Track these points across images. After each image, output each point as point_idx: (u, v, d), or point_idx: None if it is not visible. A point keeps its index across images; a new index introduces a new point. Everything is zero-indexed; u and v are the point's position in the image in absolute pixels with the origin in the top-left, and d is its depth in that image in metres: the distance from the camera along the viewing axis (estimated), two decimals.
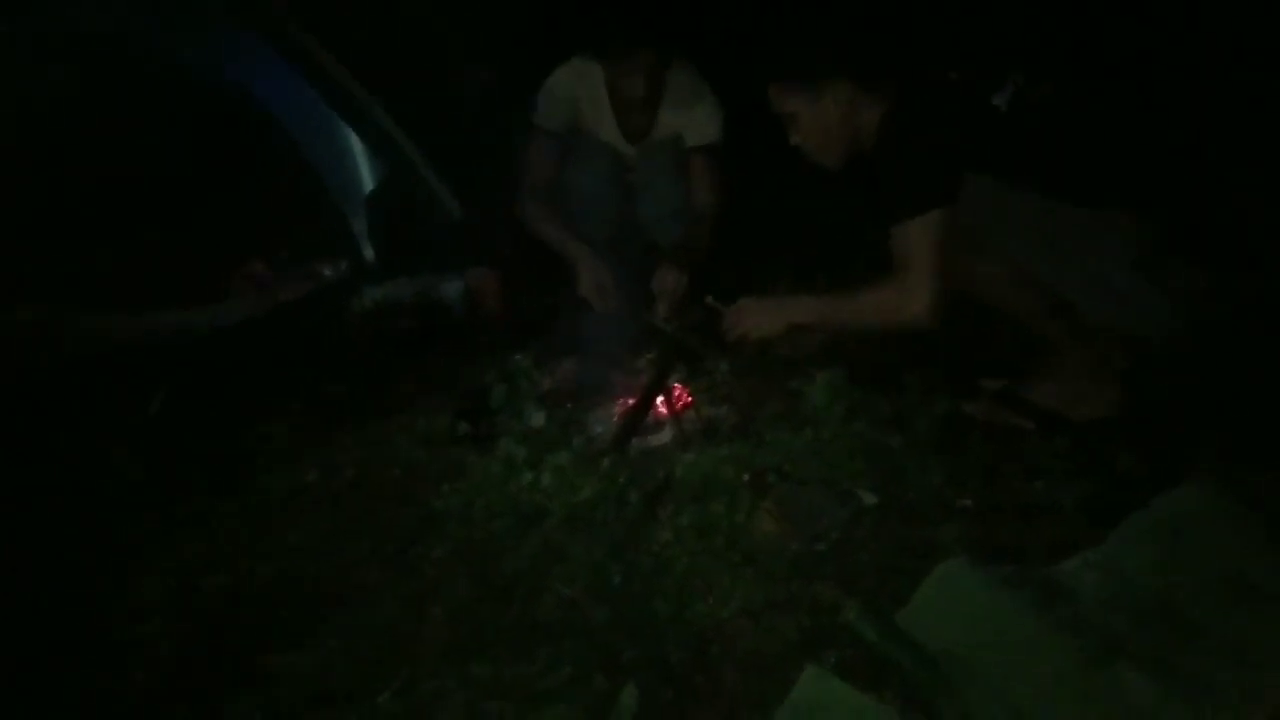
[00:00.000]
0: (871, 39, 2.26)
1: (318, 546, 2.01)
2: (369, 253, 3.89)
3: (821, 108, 2.19)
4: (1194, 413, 2.07)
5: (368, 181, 4.05)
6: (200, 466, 2.37)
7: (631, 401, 2.43)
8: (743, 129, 2.97)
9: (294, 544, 2.02)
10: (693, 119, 2.96)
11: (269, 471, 2.33)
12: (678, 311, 2.77)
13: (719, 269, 2.95)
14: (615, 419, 2.43)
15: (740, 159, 3.03)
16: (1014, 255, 2.07)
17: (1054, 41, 2.79)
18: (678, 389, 2.49)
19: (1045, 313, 2.15)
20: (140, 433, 2.49)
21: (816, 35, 2.25)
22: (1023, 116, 2.03)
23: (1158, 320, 1.96)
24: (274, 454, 2.43)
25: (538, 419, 2.35)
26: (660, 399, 2.43)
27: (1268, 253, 2.05)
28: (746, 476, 1.98)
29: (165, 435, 2.50)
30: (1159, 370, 2.14)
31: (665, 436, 2.35)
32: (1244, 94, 2.45)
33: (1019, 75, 2.06)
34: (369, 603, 1.79)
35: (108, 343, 2.68)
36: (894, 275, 2.11)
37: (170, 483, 2.29)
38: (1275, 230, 2.09)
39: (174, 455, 2.40)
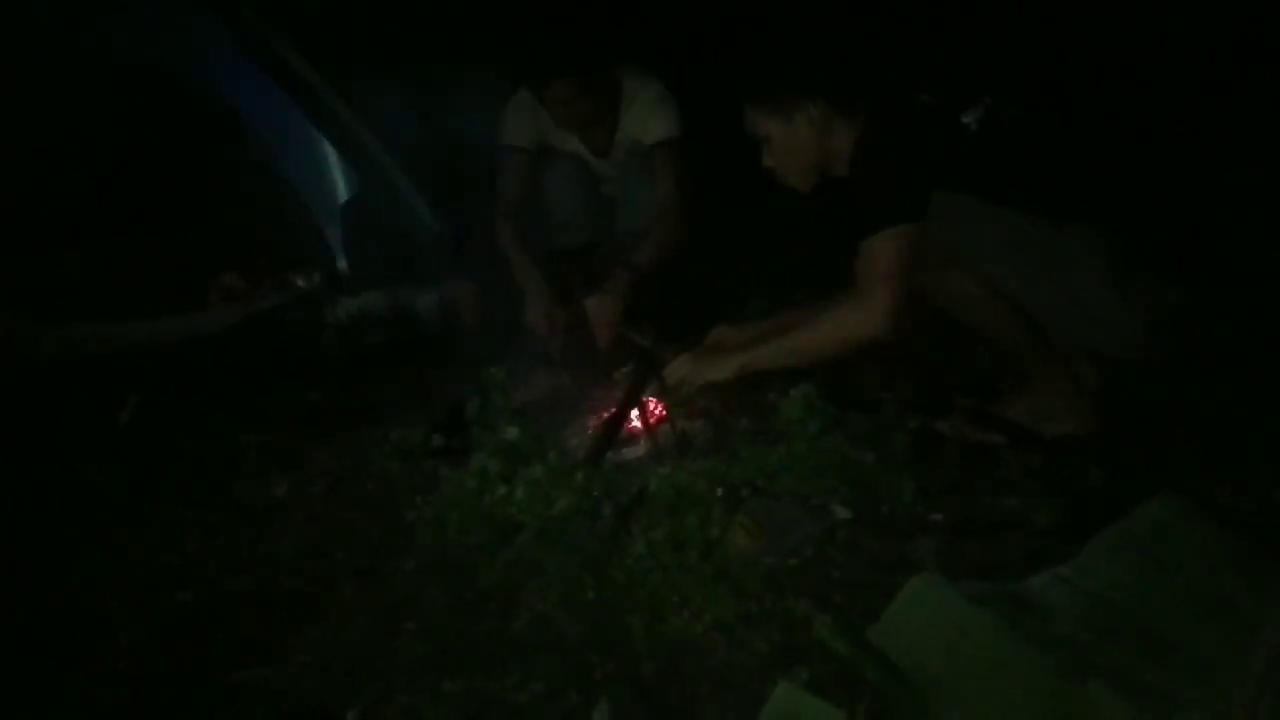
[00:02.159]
0: (845, 61, 2.28)
1: (289, 559, 1.99)
2: (343, 264, 3.88)
3: (794, 130, 2.21)
4: (1164, 428, 2.10)
5: (342, 192, 4.03)
6: (171, 477, 2.34)
7: (606, 415, 2.43)
8: (714, 147, 2.98)
9: (264, 556, 2.00)
10: (647, 119, 2.94)
11: (240, 483, 2.31)
12: (644, 328, 2.75)
13: (690, 282, 2.95)
14: (590, 433, 2.43)
15: (712, 175, 3.03)
16: (987, 272, 2.08)
17: (1024, 62, 2.83)
18: (652, 403, 2.50)
19: (1018, 330, 2.17)
20: (110, 443, 2.46)
21: (790, 57, 2.27)
22: (994, 135, 2.05)
23: (1128, 337, 1.98)
24: (245, 466, 2.40)
25: (512, 432, 2.34)
26: (635, 413, 2.42)
27: (1240, 266, 2.07)
28: (720, 491, 1.98)
29: (136, 446, 2.47)
30: (1130, 388, 2.16)
31: (639, 450, 2.35)
32: (1216, 107, 2.49)
33: (990, 96, 2.08)
34: (340, 617, 1.78)
35: (79, 352, 2.66)
36: (852, 291, 2.12)
37: (140, 494, 2.27)
38: (1247, 243, 2.12)
39: (144, 466, 2.37)
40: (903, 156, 2.07)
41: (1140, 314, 1.95)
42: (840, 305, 2.17)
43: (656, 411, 2.47)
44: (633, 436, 2.40)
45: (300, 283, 3.20)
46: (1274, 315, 2.13)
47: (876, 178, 2.09)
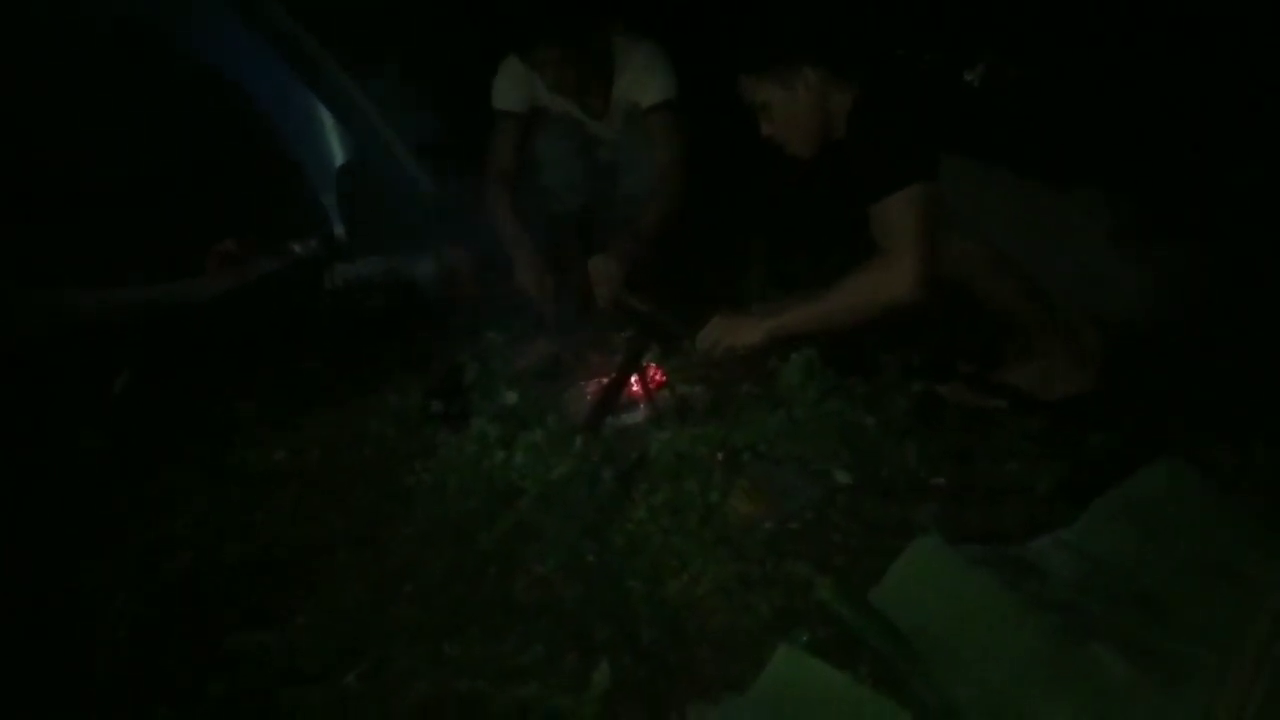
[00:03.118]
0: (841, 24, 2.24)
1: (286, 525, 1.98)
2: (340, 230, 3.85)
3: (792, 96, 2.17)
4: (1166, 392, 2.08)
5: (339, 157, 4.00)
6: (167, 445, 2.33)
7: (605, 380, 2.42)
8: (711, 119, 2.95)
9: (262, 523, 2.00)
10: (642, 82, 2.89)
11: (237, 450, 2.30)
12: (644, 293, 2.74)
13: (690, 251, 2.93)
14: (589, 398, 2.41)
15: (711, 148, 3.00)
16: (988, 235, 2.06)
17: (1026, 21, 2.77)
18: (652, 368, 2.48)
19: (1020, 295, 2.15)
20: (105, 410, 2.45)
21: (785, 22, 2.23)
22: (996, 95, 2.02)
23: (1133, 299, 1.96)
24: (242, 432, 2.40)
25: (511, 398, 2.32)
26: (634, 378, 2.41)
27: (1246, 228, 2.04)
28: (720, 455, 1.98)
29: (131, 413, 2.46)
30: (1134, 351, 2.15)
31: (639, 415, 2.33)
32: (1221, 70, 2.45)
33: (991, 55, 2.05)
34: (338, 582, 1.77)
35: (73, 320, 2.64)
36: (877, 255, 2.10)
37: (136, 461, 2.26)
38: (1253, 206, 2.09)
39: (140, 433, 2.36)
40: (905, 116, 2.04)
41: (1145, 276, 1.93)
42: (870, 268, 2.13)
43: (656, 376, 2.46)
44: (632, 401, 2.39)
45: (297, 249, 3.17)
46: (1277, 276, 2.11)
47: (880, 140, 2.07)
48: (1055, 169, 1.98)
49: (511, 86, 2.93)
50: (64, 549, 1.97)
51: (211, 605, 1.75)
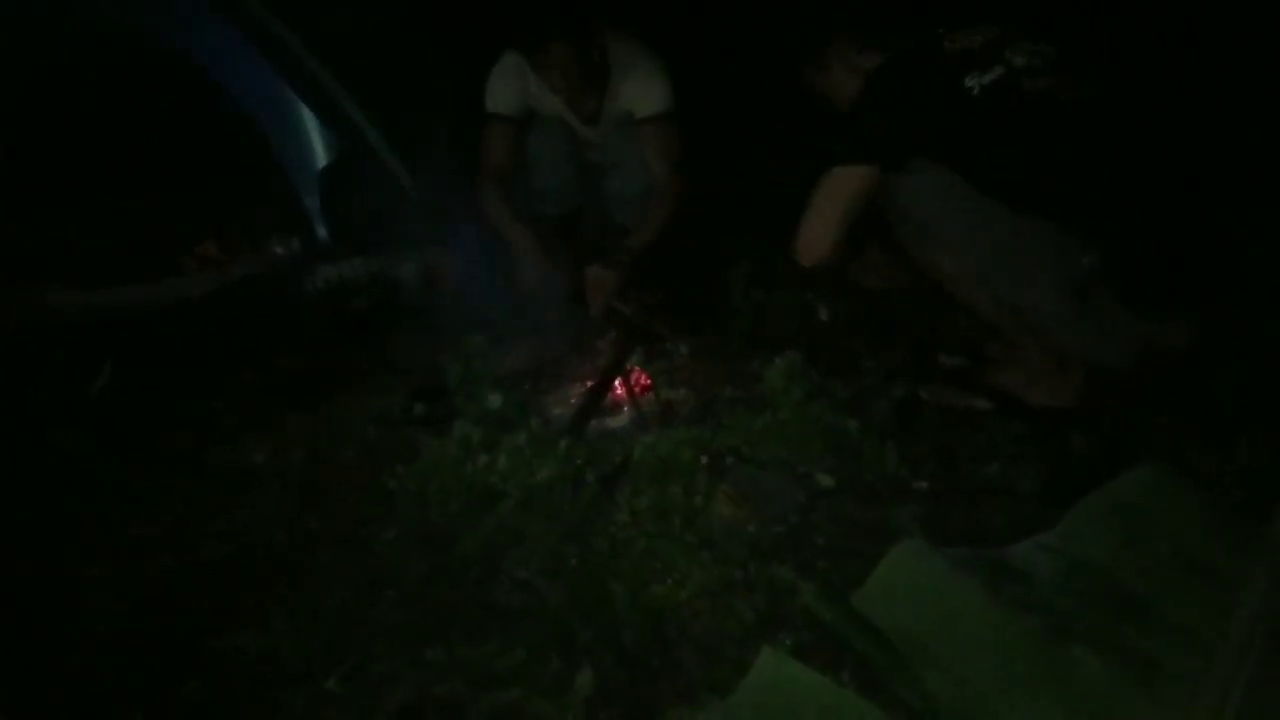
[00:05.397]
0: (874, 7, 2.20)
1: (267, 527, 1.97)
2: (322, 231, 3.82)
3: (833, 76, 2.18)
4: (1147, 394, 2.09)
5: (321, 158, 3.97)
6: (147, 446, 2.31)
7: (590, 383, 2.41)
8: (701, 109, 2.95)
9: (243, 524, 1.98)
10: (639, 91, 2.89)
11: (218, 451, 2.29)
12: (628, 298, 2.74)
13: (680, 247, 2.93)
14: (573, 401, 2.41)
15: (701, 139, 3.00)
16: (971, 255, 2.05)
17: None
18: (636, 371, 2.48)
19: (1001, 309, 2.15)
20: (84, 411, 2.43)
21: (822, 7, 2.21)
22: (993, 105, 1.97)
23: (1092, 346, 1.97)
24: (224, 433, 2.38)
25: (494, 400, 2.32)
26: (618, 381, 2.41)
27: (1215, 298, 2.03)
28: (704, 459, 1.98)
29: (110, 414, 2.44)
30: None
31: (623, 419, 2.33)
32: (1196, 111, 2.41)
33: (1013, 57, 1.98)
34: (319, 584, 1.76)
35: (53, 319, 2.61)
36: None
37: (116, 462, 2.24)
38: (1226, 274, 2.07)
39: (119, 434, 2.34)
40: (888, 102, 2.01)
41: (1094, 330, 1.93)
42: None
43: (640, 380, 2.46)
44: (617, 405, 2.39)
45: (278, 250, 3.16)
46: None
47: (856, 112, 2.06)
48: (1020, 197, 1.94)
49: (505, 89, 2.93)
50: (42, 549, 1.95)
51: (191, 606, 1.74)
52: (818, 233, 2.05)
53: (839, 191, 2.02)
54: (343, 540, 1.90)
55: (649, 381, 2.45)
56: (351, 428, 2.38)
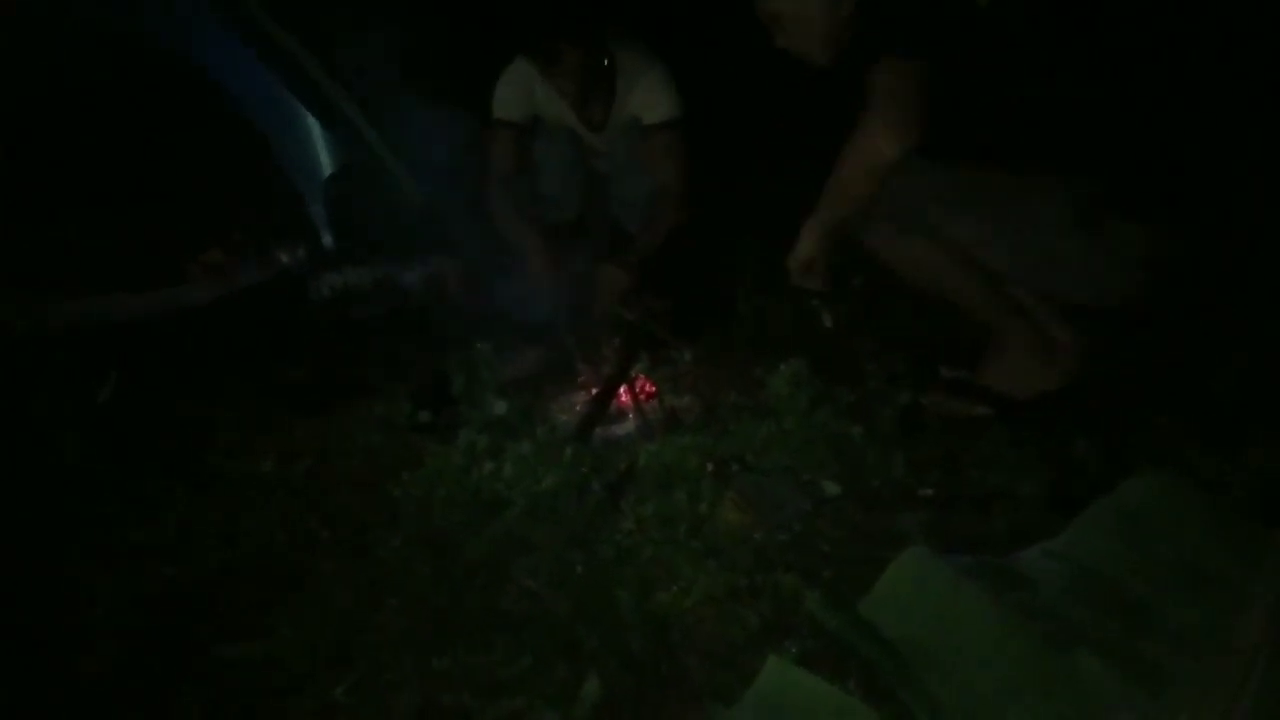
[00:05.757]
0: None
1: (272, 534, 1.97)
2: (327, 239, 3.84)
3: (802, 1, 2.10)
4: (1152, 398, 2.09)
5: (327, 165, 3.99)
6: (153, 453, 2.32)
7: (595, 391, 2.42)
8: (704, 115, 2.96)
9: (248, 532, 1.98)
10: (647, 98, 2.93)
11: (224, 458, 2.28)
12: (630, 305, 2.75)
13: (684, 252, 2.95)
14: (578, 408, 2.41)
15: (705, 146, 3.02)
16: (947, 235, 2.04)
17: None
18: (641, 378, 2.48)
19: (981, 293, 2.13)
20: (91, 419, 2.43)
21: None
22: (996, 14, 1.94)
23: (1100, 280, 1.96)
24: (229, 441, 2.38)
25: (499, 408, 2.32)
26: (623, 388, 2.41)
27: (1212, 213, 2.03)
28: (709, 466, 1.97)
29: (116, 421, 2.44)
30: (1108, 339, 2.14)
31: (628, 426, 2.34)
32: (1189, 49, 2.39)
33: None
34: (324, 592, 1.76)
35: (59, 326, 2.62)
36: (863, 118, 2.02)
37: (122, 470, 2.24)
38: (1220, 191, 2.07)
39: (125, 442, 2.35)
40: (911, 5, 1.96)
41: (1113, 258, 1.92)
42: (855, 136, 2.04)
43: (645, 387, 2.46)
44: (621, 412, 2.39)
45: (283, 257, 3.17)
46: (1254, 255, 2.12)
47: (886, 11, 1.98)
48: (1011, 156, 1.95)
49: (512, 96, 2.96)
50: (46, 556, 1.95)
51: (196, 615, 1.74)
52: (896, 121, 1.95)
53: (903, 81, 1.93)
54: (348, 548, 1.90)
55: (654, 388, 2.45)
56: (356, 435, 2.38)
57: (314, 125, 3.91)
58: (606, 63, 2.87)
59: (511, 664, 1.49)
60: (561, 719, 1.38)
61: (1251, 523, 1.51)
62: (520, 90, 2.95)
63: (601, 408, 2.33)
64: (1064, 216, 1.92)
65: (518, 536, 1.84)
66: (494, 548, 1.81)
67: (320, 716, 1.46)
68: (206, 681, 1.54)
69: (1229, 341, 2.14)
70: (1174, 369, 2.17)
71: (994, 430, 2.09)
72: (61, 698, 1.58)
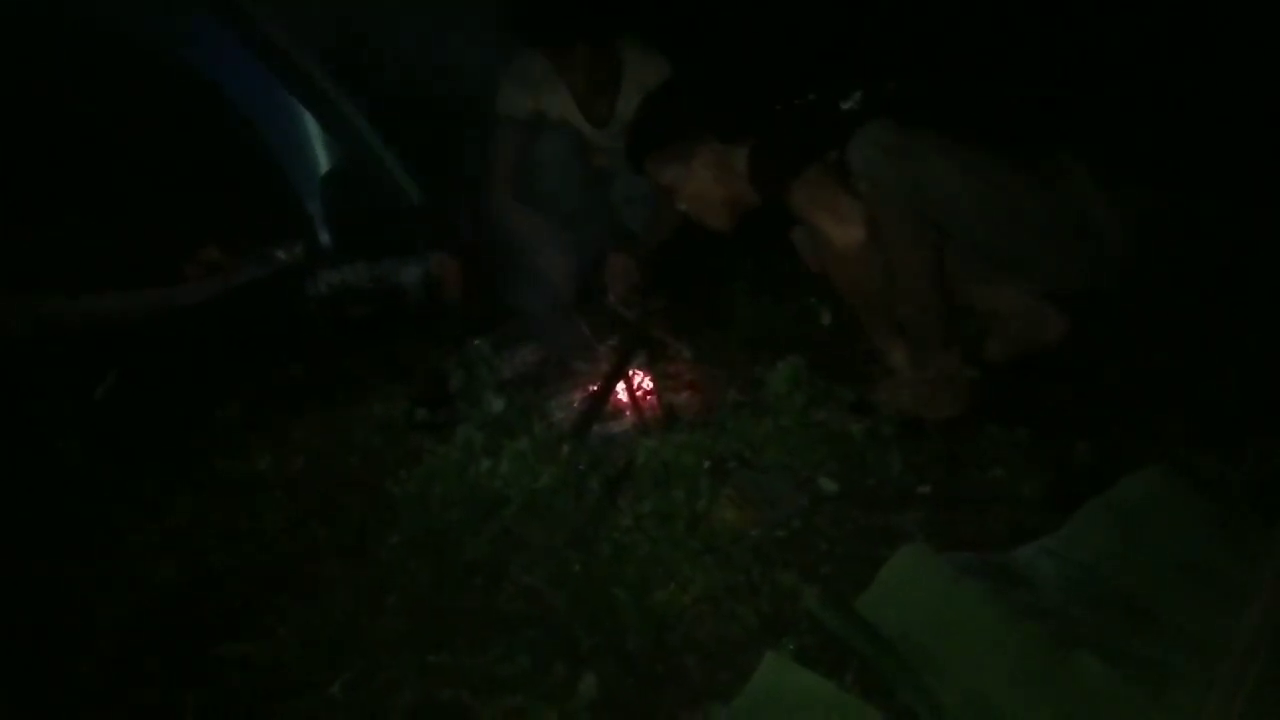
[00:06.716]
0: (720, 91, 2.22)
1: (271, 534, 1.97)
2: (324, 236, 3.83)
3: (693, 174, 2.17)
4: (1151, 396, 2.09)
5: (323, 162, 3.98)
6: (150, 453, 2.31)
7: (592, 388, 2.41)
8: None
9: (246, 531, 1.98)
10: None
11: (221, 458, 2.28)
12: (636, 298, 2.76)
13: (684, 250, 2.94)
14: (576, 406, 2.41)
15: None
16: (936, 209, 2.02)
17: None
18: (639, 376, 2.48)
19: (930, 302, 2.11)
20: (88, 418, 2.43)
21: (667, 105, 2.21)
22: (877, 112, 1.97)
23: (1118, 241, 1.96)
24: (227, 440, 2.38)
25: (497, 405, 2.32)
26: (621, 386, 2.41)
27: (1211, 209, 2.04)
28: (707, 464, 1.98)
29: (114, 421, 2.44)
30: (1113, 322, 2.15)
31: (626, 423, 2.33)
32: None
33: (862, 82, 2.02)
34: (323, 591, 1.76)
35: (56, 325, 2.61)
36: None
37: (119, 469, 2.24)
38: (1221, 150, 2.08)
39: (123, 442, 2.34)
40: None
41: (1126, 215, 1.93)
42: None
43: (643, 385, 2.45)
44: (619, 409, 2.39)
45: (280, 255, 3.16)
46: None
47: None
48: (1021, 134, 1.96)
49: (516, 93, 2.97)
50: (45, 556, 1.95)
51: (195, 614, 1.74)
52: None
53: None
54: (346, 546, 1.90)
55: (652, 386, 2.45)
56: (354, 433, 2.38)
57: (310, 122, 3.90)
58: (615, 58, 2.88)
59: (509, 662, 1.49)
60: (559, 717, 1.38)
61: (1250, 520, 1.50)
62: (523, 87, 2.96)
63: (599, 405, 2.32)
64: (1082, 175, 1.93)
65: (515, 534, 1.84)
66: (492, 545, 1.81)
67: (319, 715, 1.46)
68: (205, 680, 1.54)
69: (1229, 341, 2.14)
70: (1173, 367, 2.17)
71: (994, 430, 2.08)
72: (61, 697, 1.58)
